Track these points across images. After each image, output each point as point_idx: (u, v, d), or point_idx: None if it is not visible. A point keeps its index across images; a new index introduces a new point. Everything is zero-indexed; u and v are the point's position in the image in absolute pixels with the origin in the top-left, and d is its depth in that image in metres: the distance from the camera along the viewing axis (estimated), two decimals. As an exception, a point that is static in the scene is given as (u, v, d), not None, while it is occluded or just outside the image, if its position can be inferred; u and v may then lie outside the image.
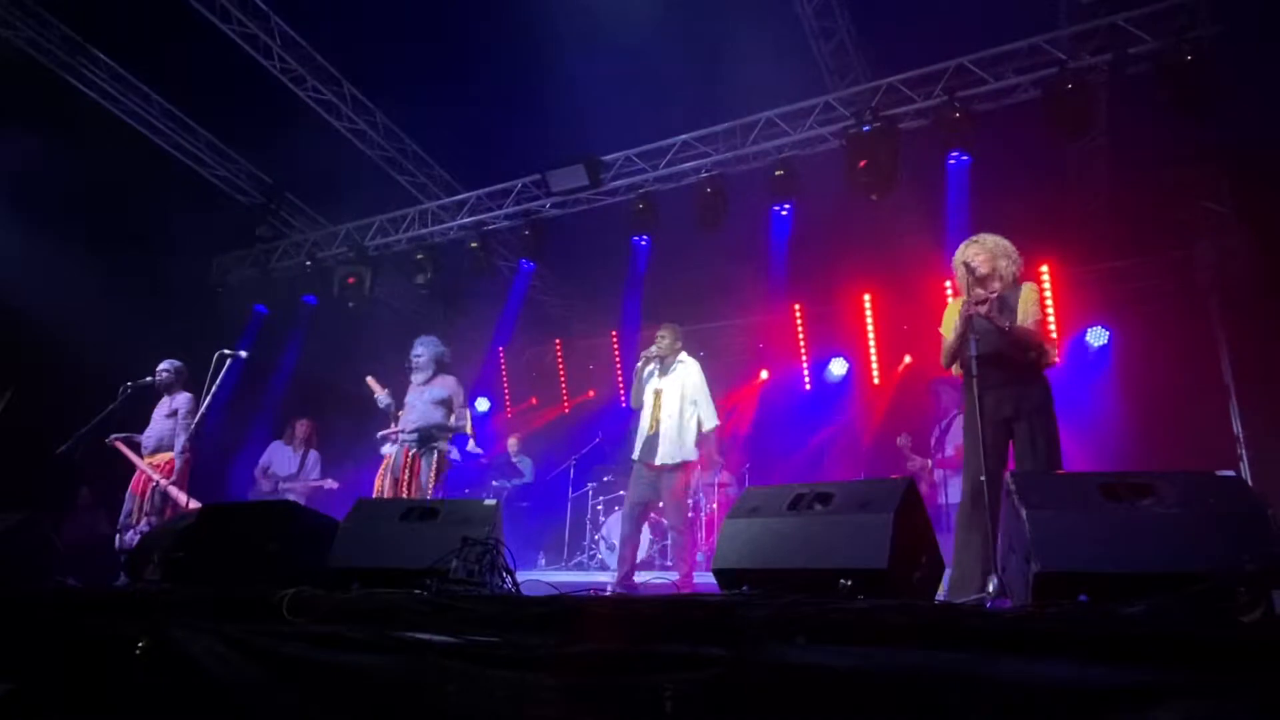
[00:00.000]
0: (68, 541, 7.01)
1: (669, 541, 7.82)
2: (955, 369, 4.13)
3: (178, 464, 6.05)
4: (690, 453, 5.73)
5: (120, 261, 7.95)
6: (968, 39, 6.55)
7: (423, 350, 6.09)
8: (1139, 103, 6.29)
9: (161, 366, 6.38)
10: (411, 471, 5.79)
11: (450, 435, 6.01)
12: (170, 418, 6.24)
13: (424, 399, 5.96)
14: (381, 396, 6.05)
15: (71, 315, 7.44)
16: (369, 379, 6.12)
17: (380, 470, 5.93)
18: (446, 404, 5.98)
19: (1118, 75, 6.17)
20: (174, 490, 5.93)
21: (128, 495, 6.13)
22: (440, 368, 6.11)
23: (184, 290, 9.24)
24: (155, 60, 8.05)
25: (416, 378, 6.07)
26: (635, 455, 5.82)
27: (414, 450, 5.85)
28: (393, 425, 6.02)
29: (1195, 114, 5.91)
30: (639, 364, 5.99)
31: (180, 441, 6.10)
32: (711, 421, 5.85)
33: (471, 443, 6.02)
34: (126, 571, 4.00)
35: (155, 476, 5.99)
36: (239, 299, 10.06)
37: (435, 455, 5.86)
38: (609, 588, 5.37)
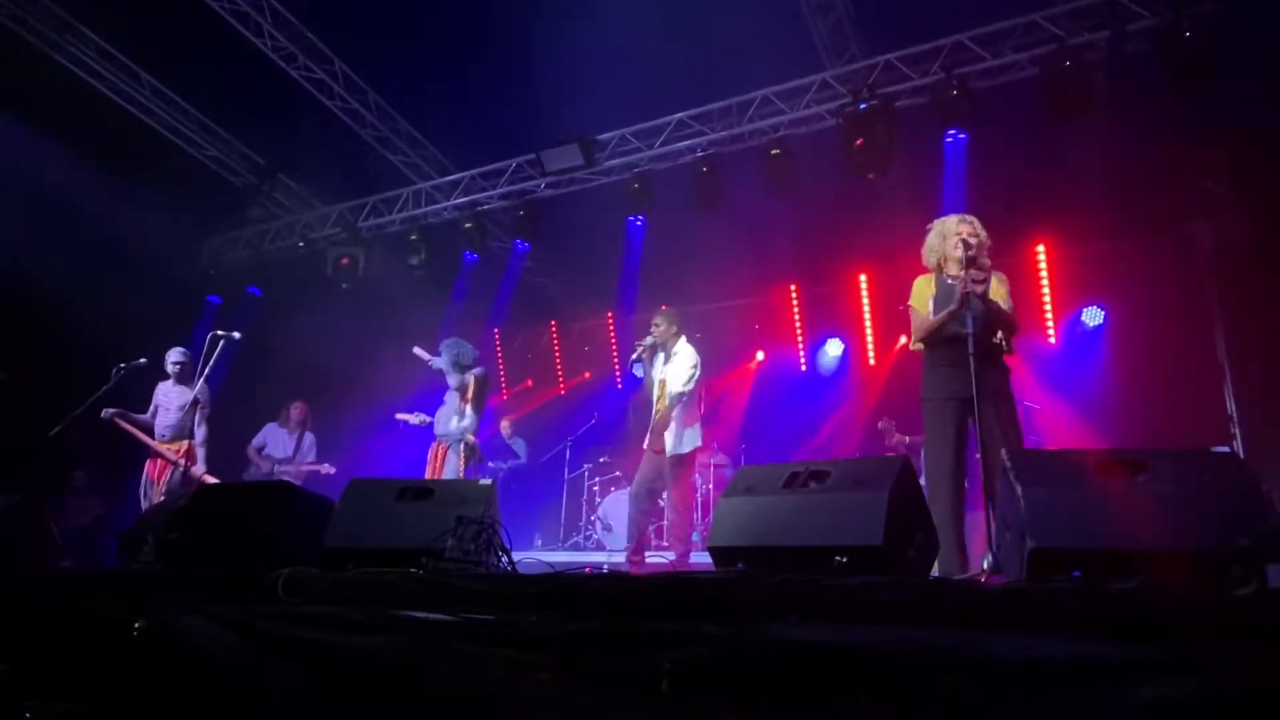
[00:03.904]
0: (62, 524, 7.01)
1: (666, 521, 7.85)
2: (918, 346, 4.10)
3: (201, 453, 6.14)
4: (692, 443, 5.80)
5: (112, 243, 7.90)
6: (966, 16, 6.50)
7: (444, 354, 6.52)
8: (1137, 81, 6.24)
9: (174, 359, 6.34)
10: (441, 462, 6.30)
11: (473, 427, 6.40)
12: (189, 408, 6.23)
13: (451, 396, 6.46)
14: (427, 358, 6.62)
15: (63, 297, 7.40)
16: (416, 349, 6.70)
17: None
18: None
19: (1116, 52, 6.13)
20: (210, 478, 6.06)
21: (145, 482, 6.15)
22: (459, 368, 6.47)
23: (176, 272, 9.19)
24: (144, 39, 7.94)
25: (449, 380, 6.54)
26: (645, 444, 5.92)
27: (443, 444, 6.36)
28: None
29: (1193, 92, 5.88)
30: (636, 353, 6.02)
31: (201, 432, 6.21)
32: (677, 388, 5.78)
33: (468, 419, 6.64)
34: (121, 553, 4.01)
35: (181, 463, 6.09)
36: (232, 280, 10.01)
37: (461, 446, 6.25)
38: (605, 566, 5.42)
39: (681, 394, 5.76)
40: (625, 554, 5.87)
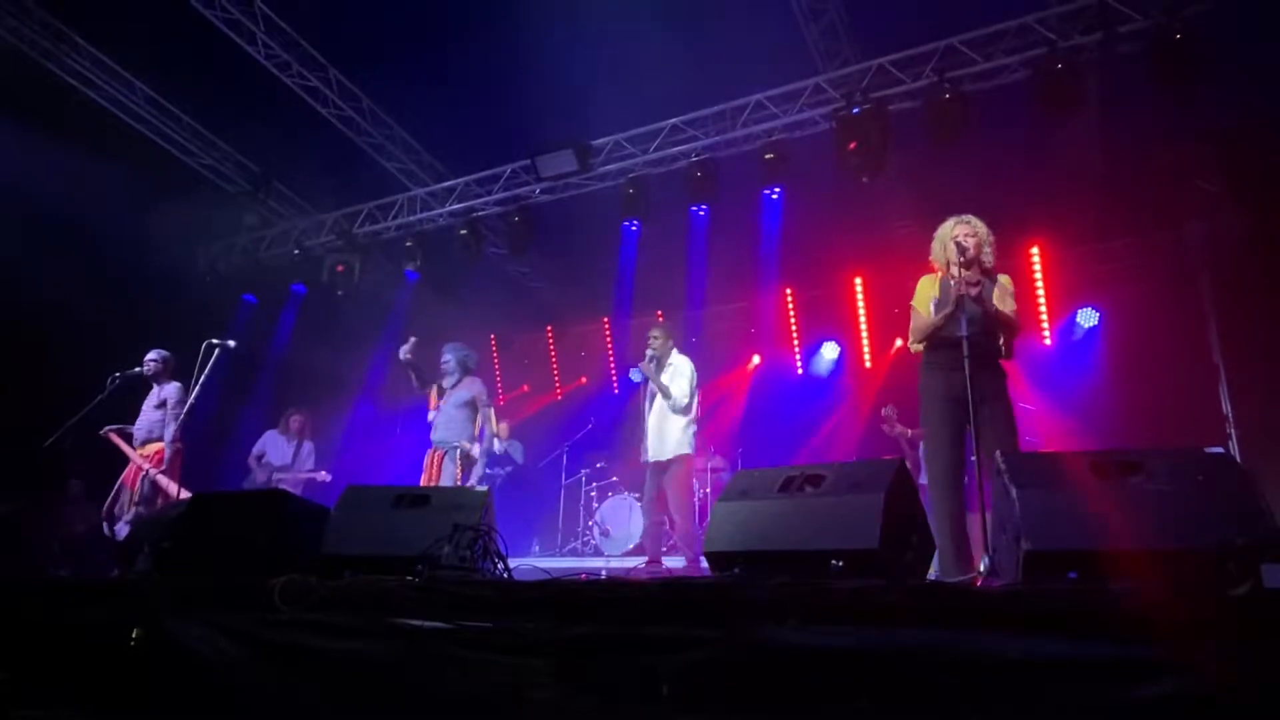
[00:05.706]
0: (58, 533, 6.98)
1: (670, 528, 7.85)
2: (918, 347, 4.10)
3: (167, 453, 6.03)
4: (678, 447, 6.04)
5: (107, 251, 7.88)
6: (958, 19, 6.52)
7: (449, 356, 6.45)
8: (1130, 82, 6.27)
9: (149, 356, 6.35)
10: (437, 469, 6.22)
11: (474, 434, 6.35)
12: (159, 408, 6.21)
13: (450, 403, 6.34)
14: (403, 350, 6.36)
15: (59, 306, 7.38)
16: (411, 341, 6.43)
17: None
18: (470, 405, 6.36)
19: (1108, 54, 6.15)
20: (163, 479, 5.92)
21: (119, 486, 6.11)
22: (465, 371, 6.45)
23: (172, 280, 9.17)
24: (138, 47, 7.93)
25: (446, 383, 6.43)
26: (641, 457, 6.26)
27: (440, 450, 6.26)
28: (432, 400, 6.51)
29: (1185, 93, 5.91)
30: (643, 365, 6.27)
31: (170, 431, 6.08)
32: (683, 401, 6.08)
33: (497, 443, 6.60)
34: (118, 562, 4.00)
35: (145, 465, 5.97)
36: (227, 288, 9.99)
37: (459, 453, 6.20)
38: (603, 572, 5.44)
39: (684, 405, 6.08)
40: (645, 563, 6.09)
